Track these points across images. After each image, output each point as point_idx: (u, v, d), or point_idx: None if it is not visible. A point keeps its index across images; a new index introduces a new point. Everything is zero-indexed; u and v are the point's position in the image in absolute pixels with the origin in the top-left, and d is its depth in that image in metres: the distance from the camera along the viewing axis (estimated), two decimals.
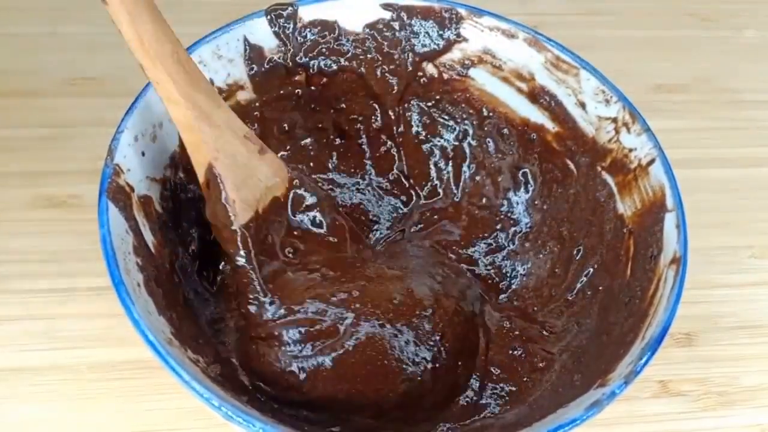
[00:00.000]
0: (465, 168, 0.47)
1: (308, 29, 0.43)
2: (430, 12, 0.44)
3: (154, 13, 0.34)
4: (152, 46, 0.34)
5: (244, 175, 0.36)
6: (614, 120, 0.41)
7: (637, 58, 0.61)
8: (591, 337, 0.39)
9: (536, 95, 0.43)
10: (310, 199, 0.39)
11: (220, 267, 0.41)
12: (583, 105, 0.42)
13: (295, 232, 0.39)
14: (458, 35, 0.44)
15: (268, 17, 0.42)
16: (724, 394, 0.44)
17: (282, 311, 0.37)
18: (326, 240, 0.39)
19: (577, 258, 0.42)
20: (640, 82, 0.59)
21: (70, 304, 0.44)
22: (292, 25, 0.42)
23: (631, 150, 0.40)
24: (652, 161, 0.39)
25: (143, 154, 0.37)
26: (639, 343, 0.34)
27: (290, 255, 0.38)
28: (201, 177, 0.36)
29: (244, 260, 0.37)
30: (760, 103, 0.60)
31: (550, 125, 0.43)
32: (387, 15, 0.43)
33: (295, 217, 0.39)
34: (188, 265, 0.39)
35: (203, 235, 0.41)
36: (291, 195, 0.39)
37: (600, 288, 0.40)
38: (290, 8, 0.42)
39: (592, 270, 0.41)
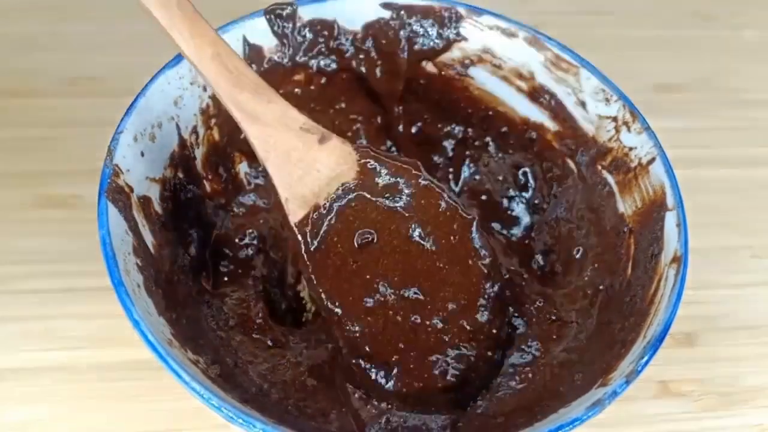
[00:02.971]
0: (465, 168, 0.47)
1: (308, 29, 0.43)
2: (430, 11, 0.44)
3: (193, 17, 0.35)
4: (191, 50, 0.34)
5: (301, 172, 0.36)
6: (614, 119, 0.41)
7: (637, 57, 0.61)
8: (592, 336, 0.39)
9: (536, 94, 0.43)
10: (387, 179, 0.37)
11: (220, 267, 0.41)
12: (583, 104, 0.42)
13: (373, 215, 0.37)
14: (458, 34, 0.44)
15: (268, 17, 0.42)
16: (725, 395, 0.44)
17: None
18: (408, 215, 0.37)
19: (577, 257, 0.42)
20: (640, 81, 0.59)
21: (70, 304, 0.44)
22: (291, 25, 0.42)
23: (631, 149, 0.40)
24: (652, 160, 0.39)
25: (142, 154, 0.37)
26: (640, 342, 0.34)
27: (365, 241, 0.37)
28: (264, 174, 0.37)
29: (303, 250, 0.36)
30: (760, 102, 0.60)
31: (550, 124, 0.43)
32: (387, 14, 0.43)
33: (374, 199, 0.37)
34: (188, 266, 0.39)
35: (203, 236, 0.41)
36: (362, 179, 0.37)
37: (601, 287, 0.40)
38: (290, 8, 0.42)
39: (592, 269, 0.41)
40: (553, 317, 0.41)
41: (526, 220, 0.45)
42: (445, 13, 0.44)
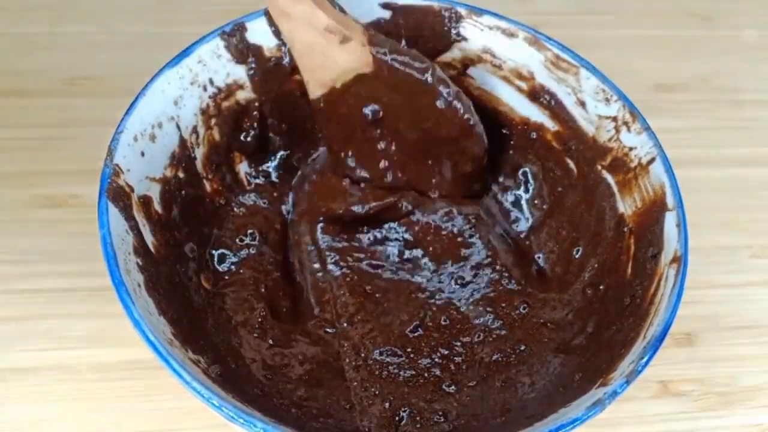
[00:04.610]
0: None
1: None
2: (430, 11, 0.44)
3: None
4: None
5: (321, 61, 0.41)
6: (614, 119, 0.41)
7: (637, 57, 0.61)
8: (591, 336, 0.39)
9: (536, 94, 0.43)
10: (399, 79, 0.41)
11: (220, 267, 0.41)
12: (583, 104, 0.42)
13: (384, 98, 0.42)
14: (458, 34, 0.44)
15: (268, 17, 0.42)
16: (725, 394, 0.44)
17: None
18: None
19: (577, 257, 0.42)
20: (640, 81, 0.59)
21: (70, 304, 0.44)
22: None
23: (631, 149, 0.40)
24: (652, 160, 0.39)
25: (143, 154, 0.37)
26: (640, 342, 0.34)
27: (371, 116, 0.42)
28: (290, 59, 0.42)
29: (321, 122, 0.43)
30: (760, 102, 0.60)
31: (550, 124, 0.43)
32: (387, 14, 0.43)
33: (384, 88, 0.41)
34: (188, 265, 0.39)
35: (203, 235, 0.41)
36: (376, 75, 0.41)
37: (600, 287, 0.40)
38: None
39: (592, 269, 0.41)
40: (553, 317, 0.41)
41: (525, 220, 0.45)
42: (445, 13, 0.44)
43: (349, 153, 0.44)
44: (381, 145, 0.43)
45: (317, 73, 0.41)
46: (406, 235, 0.44)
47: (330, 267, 0.42)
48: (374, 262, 0.43)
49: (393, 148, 0.43)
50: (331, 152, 0.44)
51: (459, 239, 0.44)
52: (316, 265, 0.43)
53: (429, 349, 0.40)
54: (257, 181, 0.44)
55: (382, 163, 0.44)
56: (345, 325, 0.40)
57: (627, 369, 0.33)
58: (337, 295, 0.41)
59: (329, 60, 0.40)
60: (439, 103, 0.41)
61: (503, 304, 0.41)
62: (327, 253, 0.43)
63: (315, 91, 0.42)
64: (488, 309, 0.41)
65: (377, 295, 0.42)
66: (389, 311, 0.41)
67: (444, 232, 0.44)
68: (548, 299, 0.41)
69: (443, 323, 0.41)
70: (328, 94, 0.41)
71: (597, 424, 0.33)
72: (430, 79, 0.41)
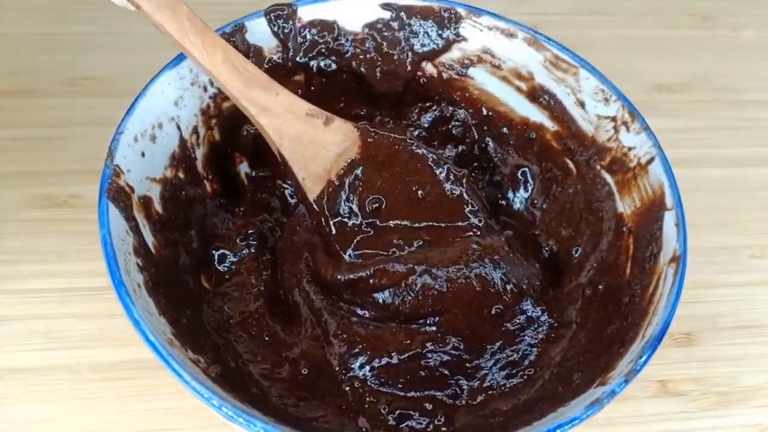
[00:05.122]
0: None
1: (307, 29, 0.43)
2: (430, 11, 0.44)
3: (203, 28, 0.38)
4: (204, 58, 0.38)
5: (312, 152, 0.40)
6: (613, 119, 0.41)
7: (637, 57, 0.61)
8: (591, 335, 0.39)
9: (535, 94, 0.43)
10: (386, 151, 0.41)
11: (220, 267, 0.41)
12: (582, 104, 0.42)
13: (378, 183, 0.40)
14: (457, 35, 0.44)
15: (268, 17, 0.42)
16: (723, 394, 0.44)
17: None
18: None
19: (576, 257, 0.42)
20: (639, 81, 0.59)
21: (69, 304, 0.44)
22: (291, 26, 0.42)
23: (630, 149, 0.40)
24: (651, 160, 0.39)
25: (143, 154, 0.37)
26: (639, 341, 0.34)
27: (372, 209, 0.40)
28: (279, 161, 0.40)
29: (322, 227, 0.40)
30: (760, 103, 0.60)
31: (550, 124, 0.44)
32: (386, 15, 0.43)
33: (377, 170, 0.41)
34: (188, 265, 0.39)
35: (203, 235, 0.41)
36: (365, 153, 0.40)
37: (600, 287, 0.40)
38: (289, 8, 0.42)
39: (591, 269, 0.41)
40: (552, 317, 0.41)
41: (525, 220, 0.45)
42: (445, 13, 0.44)
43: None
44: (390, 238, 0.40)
45: (311, 167, 0.40)
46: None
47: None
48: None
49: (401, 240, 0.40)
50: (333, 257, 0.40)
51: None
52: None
53: (427, 371, 0.38)
54: (257, 181, 0.44)
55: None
56: (331, 340, 0.39)
57: (626, 368, 0.33)
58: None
59: (319, 147, 0.40)
60: (431, 162, 0.41)
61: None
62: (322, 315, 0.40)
63: (313, 188, 0.40)
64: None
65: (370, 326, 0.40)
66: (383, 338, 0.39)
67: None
68: (554, 296, 0.41)
69: (447, 357, 0.39)
70: (328, 187, 0.40)
71: (596, 424, 0.33)
72: (411, 140, 0.41)
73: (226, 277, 0.41)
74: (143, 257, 0.35)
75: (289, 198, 0.45)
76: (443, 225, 0.41)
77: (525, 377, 0.39)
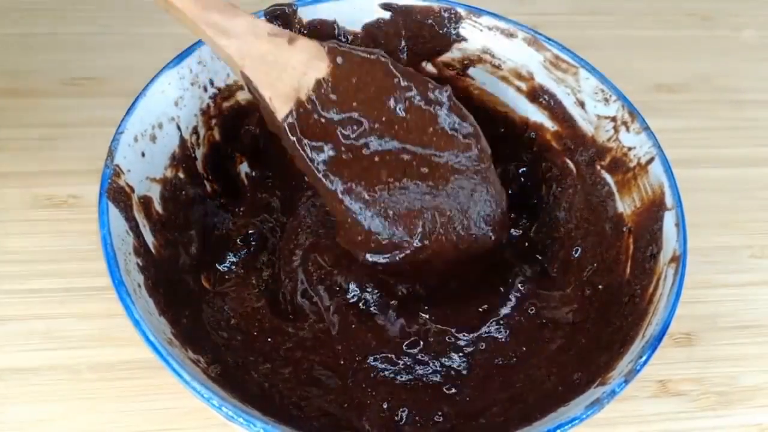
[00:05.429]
0: None
1: (308, 29, 0.43)
2: (430, 11, 0.44)
3: None
4: None
5: (278, 72, 0.38)
6: (613, 119, 0.41)
7: (637, 57, 0.61)
8: (590, 335, 0.39)
9: (535, 94, 0.43)
10: (358, 70, 0.39)
11: (220, 267, 0.41)
12: (582, 104, 0.42)
13: (354, 103, 0.38)
14: (457, 35, 0.44)
15: (268, 17, 0.42)
16: (723, 394, 0.44)
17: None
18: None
19: (576, 257, 0.42)
20: (639, 81, 0.59)
21: (69, 304, 0.44)
22: (291, 26, 0.42)
23: (630, 149, 0.40)
24: (651, 160, 0.39)
25: (143, 154, 0.37)
26: (639, 341, 0.34)
27: (351, 131, 0.38)
28: (245, 86, 0.39)
29: (294, 148, 0.38)
30: (760, 103, 0.60)
31: (550, 124, 0.44)
32: (386, 15, 0.43)
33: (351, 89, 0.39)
34: (188, 265, 0.39)
35: (203, 235, 0.41)
36: (336, 72, 0.38)
37: (600, 287, 0.40)
38: (289, 8, 0.42)
39: (591, 269, 0.41)
40: (553, 317, 0.41)
41: (524, 220, 0.45)
42: (445, 13, 0.44)
43: (352, 190, 0.38)
44: (384, 173, 0.39)
45: (277, 86, 0.38)
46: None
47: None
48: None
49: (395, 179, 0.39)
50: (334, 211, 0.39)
51: None
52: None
53: (427, 359, 0.39)
54: (257, 181, 0.44)
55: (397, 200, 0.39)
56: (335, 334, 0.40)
57: (626, 368, 0.33)
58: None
59: (285, 66, 0.38)
60: (409, 78, 0.39)
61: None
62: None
63: (282, 107, 0.38)
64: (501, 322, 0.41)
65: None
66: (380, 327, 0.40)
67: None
68: (551, 297, 0.41)
69: (442, 340, 0.40)
70: (297, 107, 0.38)
71: (596, 423, 0.33)
72: (385, 56, 0.39)
73: (226, 277, 0.41)
74: (143, 257, 0.35)
75: (289, 198, 0.45)
76: (431, 149, 0.39)
77: (525, 377, 0.39)
